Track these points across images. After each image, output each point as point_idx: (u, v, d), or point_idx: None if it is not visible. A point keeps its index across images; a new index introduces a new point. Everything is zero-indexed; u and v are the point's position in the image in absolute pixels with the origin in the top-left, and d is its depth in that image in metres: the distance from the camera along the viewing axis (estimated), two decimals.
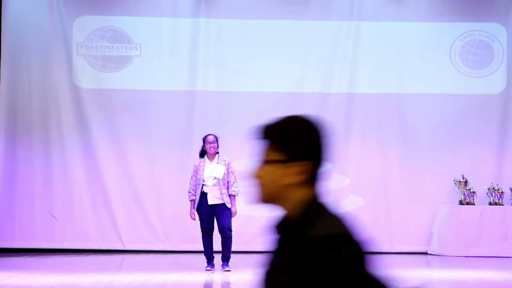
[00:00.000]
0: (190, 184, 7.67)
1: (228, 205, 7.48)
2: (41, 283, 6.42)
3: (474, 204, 10.17)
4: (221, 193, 7.47)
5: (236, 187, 7.60)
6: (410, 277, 6.97)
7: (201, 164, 7.63)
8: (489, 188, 10.28)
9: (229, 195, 7.57)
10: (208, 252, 7.52)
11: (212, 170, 7.55)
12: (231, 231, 7.49)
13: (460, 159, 10.47)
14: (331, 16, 10.56)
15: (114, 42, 10.48)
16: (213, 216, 7.50)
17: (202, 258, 9.27)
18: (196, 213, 7.58)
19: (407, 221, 10.39)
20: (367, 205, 10.41)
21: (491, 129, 10.56)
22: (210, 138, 7.71)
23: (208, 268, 7.49)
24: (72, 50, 10.39)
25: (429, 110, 10.57)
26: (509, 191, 10.29)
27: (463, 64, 10.66)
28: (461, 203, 10.20)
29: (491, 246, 9.79)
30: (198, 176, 7.55)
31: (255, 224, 10.43)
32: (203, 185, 7.50)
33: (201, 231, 7.58)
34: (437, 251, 10.04)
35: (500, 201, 10.22)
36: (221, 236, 7.49)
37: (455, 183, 10.31)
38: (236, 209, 7.59)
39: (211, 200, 7.49)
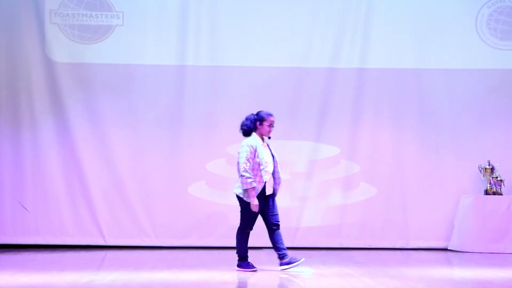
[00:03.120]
0: (246, 168, 7.17)
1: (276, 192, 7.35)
2: (10, 283, 6.43)
3: (501, 194, 10.19)
4: (275, 181, 7.33)
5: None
6: (428, 277, 6.98)
7: (259, 144, 7.28)
8: None
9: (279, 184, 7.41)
10: (246, 250, 7.37)
11: (269, 154, 7.33)
12: None
13: (486, 143, 10.47)
14: None
15: (93, 9, 10.43)
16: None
17: (195, 255, 9.27)
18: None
19: (424, 213, 10.40)
20: (379, 195, 10.44)
21: None
22: (273, 119, 7.39)
23: (254, 269, 7.31)
24: (45, 19, 10.34)
25: (451, 87, 10.54)
26: None
27: (491, 35, 10.62)
28: (486, 192, 10.22)
29: None
30: (257, 159, 7.22)
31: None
32: (261, 171, 7.18)
33: (249, 226, 7.31)
34: (458, 247, 10.06)
35: None
36: (273, 228, 7.31)
37: (480, 170, 10.32)
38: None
39: (269, 190, 7.30)
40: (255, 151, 7.21)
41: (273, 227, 7.32)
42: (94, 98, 10.32)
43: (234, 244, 10.24)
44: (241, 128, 7.41)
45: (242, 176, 7.20)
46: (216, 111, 10.45)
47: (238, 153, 7.34)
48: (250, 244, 10.23)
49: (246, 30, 10.50)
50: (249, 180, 7.15)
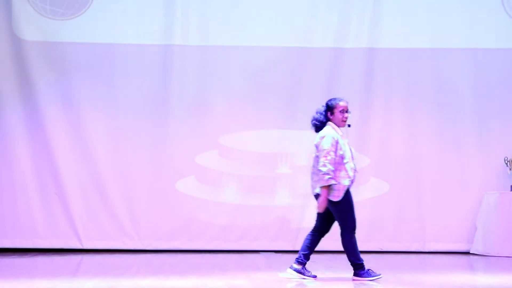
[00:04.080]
0: (326, 162, 6.96)
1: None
2: None
3: None
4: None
5: None
6: (447, 284, 6.94)
7: (339, 136, 7.09)
8: None
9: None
10: (359, 254, 7.15)
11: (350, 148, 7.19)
12: None
13: None
14: None
15: None
16: None
17: (183, 259, 9.24)
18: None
19: (443, 212, 10.40)
20: (392, 191, 10.42)
21: None
22: (345, 104, 7.14)
23: (379, 276, 7.11)
24: None
25: (474, 69, 10.52)
26: None
27: None
28: None
29: None
30: (340, 152, 7.05)
31: (250, 216, 10.41)
32: (344, 164, 7.02)
33: (353, 228, 7.12)
34: (482, 251, 10.05)
35: None
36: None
37: (506, 163, 10.30)
38: None
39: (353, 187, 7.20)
40: (337, 143, 7.06)
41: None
42: (68, 82, 10.26)
43: (226, 247, 10.29)
44: (312, 125, 7.24)
45: (320, 171, 7.02)
46: (206, 96, 10.41)
47: (316, 146, 7.15)
48: (245, 247, 10.26)
49: (240, 5, 10.48)
50: (327, 177, 6.97)
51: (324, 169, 6.96)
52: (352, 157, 7.13)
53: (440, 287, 6.75)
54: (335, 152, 7.01)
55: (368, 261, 9.01)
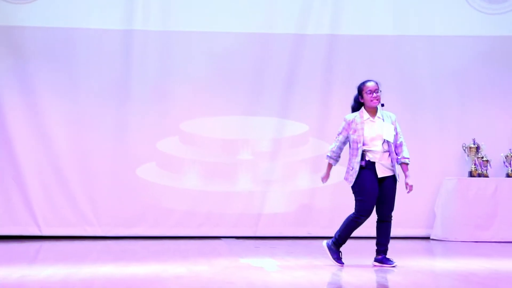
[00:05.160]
0: (334, 143, 7.11)
1: (397, 178, 7.02)
2: None
3: (487, 176, 10.29)
4: (391, 162, 7.00)
5: (407, 152, 7.13)
6: (406, 268, 7.00)
7: (358, 120, 7.03)
8: (507, 156, 10.41)
9: (401, 164, 7.08)
10: (343, 234, 7.07)
11: (379, 130, 7.00)
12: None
13: (471, 119, 10.57)
14: None
15: None
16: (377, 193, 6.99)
17: (144, 246, 9.22)
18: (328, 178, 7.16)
19: (403, 198, 10.42)
20: None
21: (511, 81, 10.64)
22: (371, 85, 7.03)
23: (341, 263, 7.05)
24: None
25: (434, 56, 10.61)
26: None
27: None
28: (471, 174, 10.31)
29: (508, 228, 9.94)
30: (354, 136, 6.98)
31: (211, 202, 10.42)
32: (363, 150, 6.95)
33: (360, 212, 6.98)
34: (440, 236, 10.16)
35: None
36: (382, 220, 7.11)
37: (464, 150, 10.40)
38: (412, 181, 7.10)
39: (381, 172, 6.96)
40: (349, 126, 7.02)
41: (379, 219, 7.14)
42: (26, 67, 10.16)
43: (187, 233, 10.30)
44: (351, 111, 7.20)
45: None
46: (168, 82, 10.37)
47: None
48: (207, 233, 10.27)
49: None
50: (327, 155, 7.18)
51: (329, 149, 7.17)
52: (388, 142, 6.97)
53: (400, 271, 6.81)
54: (347, 136, 7.04)
55: None
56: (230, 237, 10.28)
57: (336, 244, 7.14)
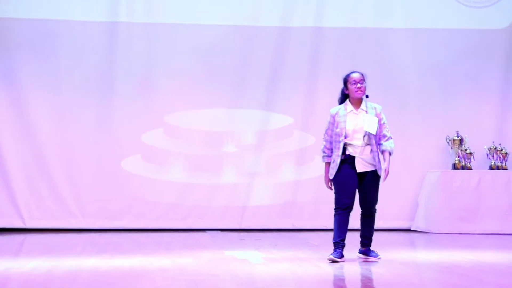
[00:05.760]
0: (324, 140, 6.99)
1: (380, 173, 6.89)
2: None
3: (470, 169, 10.34)
4: (373, 157, 6.88)
5: (391, 142, 6.97)
6: (389, 260, 7.05)
7: (341, 113, 6.94)
8: (490, 149, 10.46)
9: (382, 151, 6.94)
10: (341, 234, 6.90)
11: (360, 122, 6.87)
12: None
13: (454, 112, 10.61)
14: None
15: None
16: (356, 186, 6.90)
17: (129, 238, 9.22)
18: (331, 181, 6.95)
19: (386, 190, 10.43)
20: None
21: (494, 74, 10.70)
22: (356, 76, 6.93)
23: (336, 258, 6.84)
24: None
25: (418, 49, 10.64)
26: None
27: None
28: (454, 167, 10.36)
29: (491, 221, 10.00)
30: (337, 130, 6.88)
31: (196, 194, 10.43)
32: (345, 144, 6.86)
33: (336, 206, 6.93)
34: (423, 228, 10.21)
35: (504, 164, 10.42)
36: (365, 214, 7.06)
37: (448, 142, 10.45)
38: (389, 168, 6.88)
39: (360, 167, 6.87)
40: (334, 119, 6.94)
41: (362, 212, 7.09)
42: (9, 59, 10.11)
43: (172, 225, 10.30)
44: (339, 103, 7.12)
45: None
46: (152, 74, 10.36)
47: None
48: (191, 226, 10.28)
49: None
50: (322, 155, 7.03)
51: (322, 147, 7.05)
52: (369, 134, 6.86)
53: (383, 263, 6.84)
54: (332, 130, 6.94)
55: (312, 239, 9.13)
56: (215, 230, 10.30)
57: (334, 243, 6.99)
